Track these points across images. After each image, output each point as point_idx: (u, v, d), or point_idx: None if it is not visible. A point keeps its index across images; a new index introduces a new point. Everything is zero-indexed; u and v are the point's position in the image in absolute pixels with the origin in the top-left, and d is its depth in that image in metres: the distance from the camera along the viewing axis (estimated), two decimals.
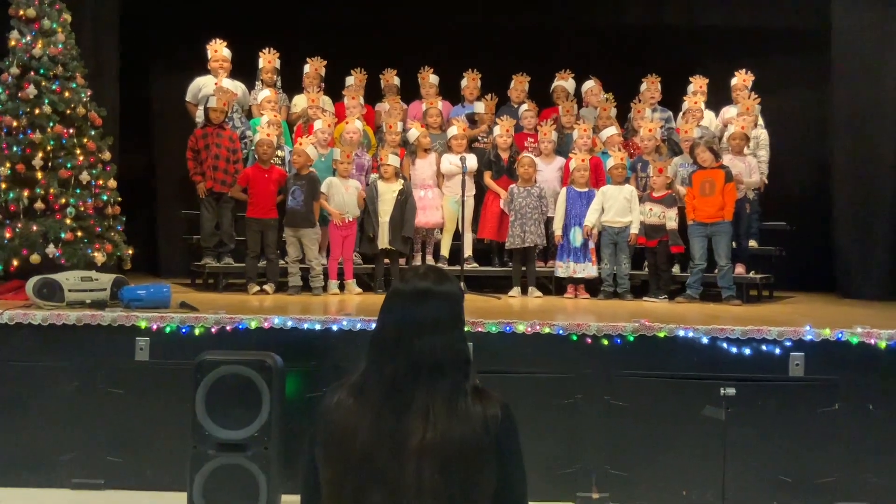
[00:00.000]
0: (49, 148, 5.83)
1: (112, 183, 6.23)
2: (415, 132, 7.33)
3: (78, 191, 5.91)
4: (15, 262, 5.64)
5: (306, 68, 7.65)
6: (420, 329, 1.90)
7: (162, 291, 5.13)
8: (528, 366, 4.68)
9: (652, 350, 4.66)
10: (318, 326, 4.71)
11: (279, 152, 7.00)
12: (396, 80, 8.00)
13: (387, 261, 6.91)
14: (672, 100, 7.81)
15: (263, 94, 7.32)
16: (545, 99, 8.03)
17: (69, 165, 5.88)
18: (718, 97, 7.79)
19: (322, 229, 6.73)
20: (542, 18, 8.80)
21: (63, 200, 5.82)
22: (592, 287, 6.86)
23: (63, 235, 5.72)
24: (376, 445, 1.83)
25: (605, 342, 4.67)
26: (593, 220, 6.71)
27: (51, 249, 5.66)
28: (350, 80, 7.84)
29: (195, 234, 7.09)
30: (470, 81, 7.94)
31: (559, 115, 7.76)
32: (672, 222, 6.64)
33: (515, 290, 6.82)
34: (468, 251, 7.15)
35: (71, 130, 5.96)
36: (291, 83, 7.78)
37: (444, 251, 7.38)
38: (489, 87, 7.95)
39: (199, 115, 7.18)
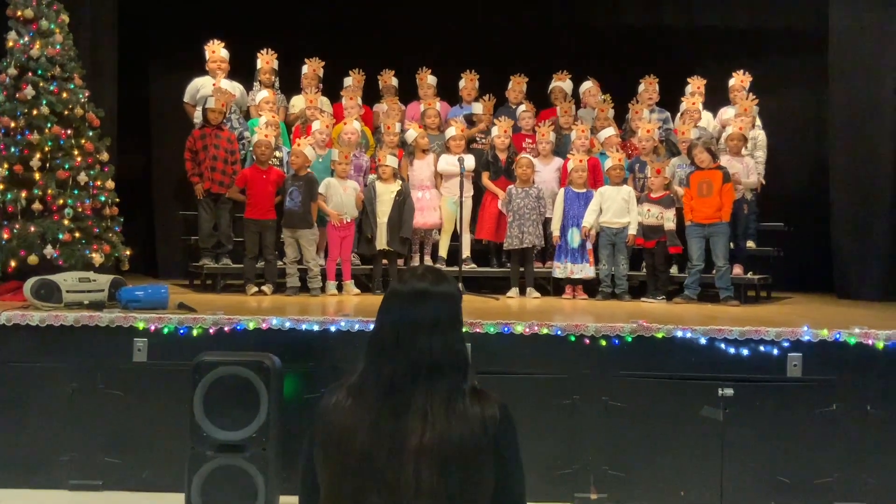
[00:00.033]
0: (47, 149, 5.83)
1: (110, 184, 6.22)
2: (413, 133, 7.33)
3: (76, 192, 5.92)
4: (13, 263, 5.64)
5: (304, 69, 7.65)
6: (418, 330, 1.89)
7: (160, 292, 5.13)
8: (526, 366, 4.68)
9: (650, 351, 4.67)
10: (316, 327, 4.71)
11: (277, 153, 7.00)
12: (394, 81, 7.99)
13: (385, 261, 6.91)
14: (670, 100, 7.82)
15: (261, 94, 7.32)
16: (543, 100, 8.02)
17: (67, 166, 5.88)
18: (716, 98, 7.78)
19: (320, 230, 6.73)
20: (540, 19, 8.81)
21: (61, 201, 5.82)
22: (590, 288, 6.86)
23: (61, 236, 5.72)
24: (375, 446, 1.83)
25: (604, 343, 4.68)
26: (591, 221, 6.70)
27: (48, 250, 5.66)
28: (348, 81, 7.82)
29: (193, 234, 7.09)
30: (468, 82, 7.94)
31: (557, 116, 7.75)
32: (670, 223, 6.64)
33: (513, 291, 6.83)
34: (466, 252, 7.14)
35: (69, 131, 5.96)
36: (289, 84, 7.77)
37: (443, 252, 7.38)
38: (487, 87, 7.94)
39: (198, 116, 7.18)
